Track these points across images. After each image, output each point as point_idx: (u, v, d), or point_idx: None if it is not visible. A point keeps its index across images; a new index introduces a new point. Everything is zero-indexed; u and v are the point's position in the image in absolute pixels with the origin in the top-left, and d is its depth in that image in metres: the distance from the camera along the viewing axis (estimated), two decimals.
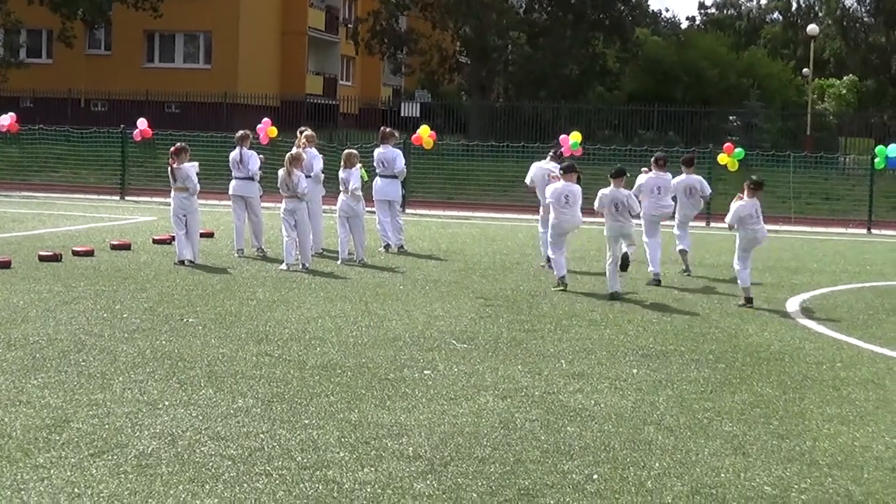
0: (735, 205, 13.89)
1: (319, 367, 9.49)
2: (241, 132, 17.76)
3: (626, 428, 7.86)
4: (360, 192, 16.85)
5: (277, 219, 16.65)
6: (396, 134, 19.62)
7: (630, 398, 8.76)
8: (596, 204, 14.46)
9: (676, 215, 16.73)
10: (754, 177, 14.48)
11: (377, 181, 18.71)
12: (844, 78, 61.57)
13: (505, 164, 35.03)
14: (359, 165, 16.93)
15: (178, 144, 16.56)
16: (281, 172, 15.98)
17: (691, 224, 17.33)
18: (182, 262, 15.89)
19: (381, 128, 19.52)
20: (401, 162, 18.78)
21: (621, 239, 14.37)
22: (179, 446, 7.08)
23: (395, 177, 18.74)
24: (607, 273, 14.33)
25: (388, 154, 18.72)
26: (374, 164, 18.80)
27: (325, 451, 7.07)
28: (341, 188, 16.91)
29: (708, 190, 16.97)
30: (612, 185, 14.36)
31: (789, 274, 17.29)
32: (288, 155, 16.08)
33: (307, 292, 13.74)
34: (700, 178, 17.09)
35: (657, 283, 15.41)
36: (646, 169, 16.41)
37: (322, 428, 7.59)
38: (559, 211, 14.71)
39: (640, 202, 15.17)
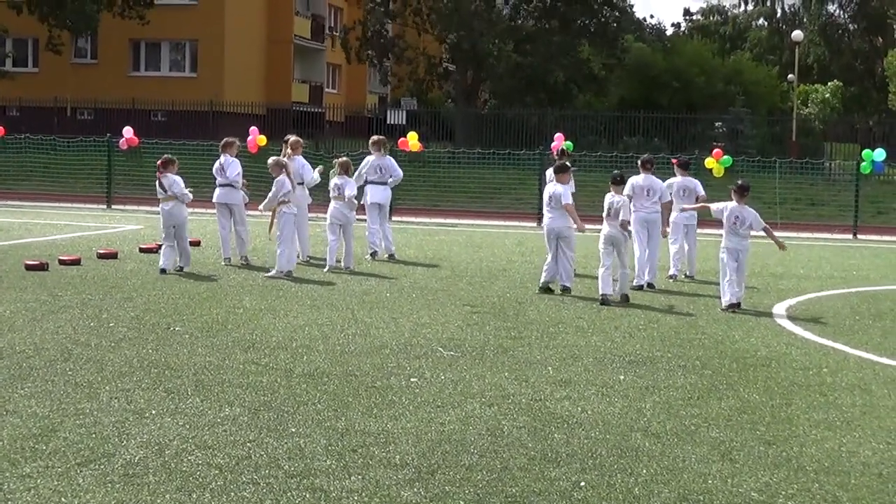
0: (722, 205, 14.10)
1: (306, 375, 9.48)
2: (225, 139, 17.67)
3: (614, 435, 7.87)
4: (355, 200, 16.89)
5: (263, 227, 16.62)
6: (387, 143, 19.74)
7: (617, 405, 8.77)
8: None
9: (670, 218, 16.79)
10: (740, 181, 14.51)
11: (369, 187, 18.72)
12: (829, 84, 61.75)
13: (491, 171, 35.09)
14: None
15: (166, 156, 16.50)
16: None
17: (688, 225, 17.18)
18: (164, 271, 15.81)
19: (375, 136, 19.48)
20: (399, 170, 18.96)
21: (614, 250, 14.39)
22: (166, 455, 7.07)
23: (385, 183, 18.78)
24: (599, 278, 14.34)
25: (386, 161, 18.87)
26: (368, 170, 18.77)
27: (312, 460, 7.06)
28: (332, 195, 16.91)
29: (701, 191, 16.95)
30: (611, 191, 14.51)
31: (775, 279, 17.33)
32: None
33: (294, 300, 13.73)
34: (696, 181, 17.15)
35: (639, 288, 15.48)
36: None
37: (309, 436, 7.58)
38: (545, 213, 15.00)
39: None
